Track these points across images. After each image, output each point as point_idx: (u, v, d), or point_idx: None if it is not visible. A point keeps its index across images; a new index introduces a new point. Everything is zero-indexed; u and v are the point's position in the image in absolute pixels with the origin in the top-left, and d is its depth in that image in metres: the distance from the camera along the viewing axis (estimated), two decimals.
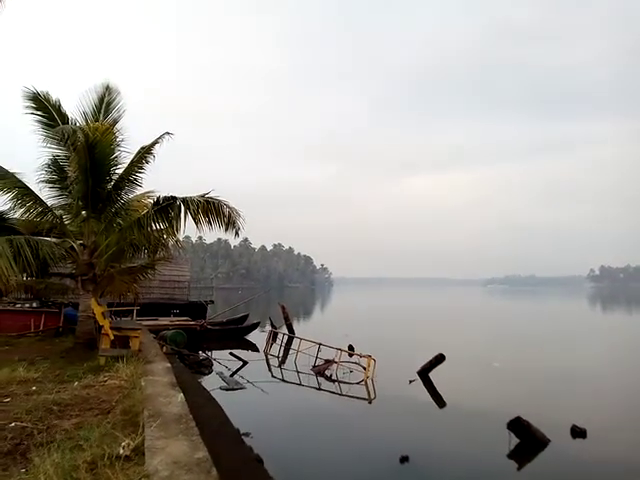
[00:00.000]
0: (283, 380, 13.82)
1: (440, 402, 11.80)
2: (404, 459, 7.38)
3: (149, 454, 3.84)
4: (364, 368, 13.58)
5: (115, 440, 4.28)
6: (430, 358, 13.67)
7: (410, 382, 13.03)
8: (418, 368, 13.69)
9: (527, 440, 8.23)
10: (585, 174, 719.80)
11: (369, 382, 12.94)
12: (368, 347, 14.82)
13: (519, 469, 7.87)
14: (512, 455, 8.03)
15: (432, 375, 13.43)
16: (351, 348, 15.31)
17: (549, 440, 8.26)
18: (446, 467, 7.62)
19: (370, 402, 11.72)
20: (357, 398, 11.77)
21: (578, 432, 8.80)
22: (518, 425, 8.25)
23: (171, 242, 12.43)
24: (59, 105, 11.16)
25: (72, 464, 3.73)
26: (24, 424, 4.99)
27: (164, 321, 18.74)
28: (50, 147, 11.04)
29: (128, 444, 4.11)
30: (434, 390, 12.61)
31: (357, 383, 13.00)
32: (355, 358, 14.53)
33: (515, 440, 8.24)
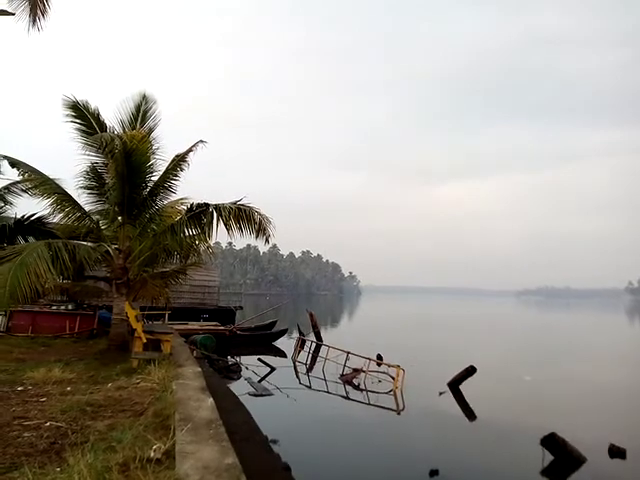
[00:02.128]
0: (311, 388, 13.78)
1: (471, 415, 11.55)
2: (434, 472, 7.24)
3: (180, 458, 3.87)
4: (393, 378, 13.44)
5: (147, 443, 4.33)
6: (461, 370, 13.43)
7: (440, 394, 12.81)
8: (448, 379, 13.46)
9: (562, 457, 7.95)
10: (623, 182, 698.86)
11: (398, 392, 12.78)
12: (397, 357, 14.67)
13: None
14: (546, 472, 7.77)
15: (462, 387, 13.17)
16: (379, 357, 15.17)
17: (585, 459, 7.96)
18: None
19: (399, 413, 11.57)
20: (386, 408, 11.63)
21: (616, 452, 8.42)
22: (552, 441, 7.97)
23: (202, 248, 12.62)
24: (98, 113, 11.49)
25: (105, 465, 3.79)
26: (59, 424, 5.11)
27: (194, 325, 18.98)
28: (89, 154, 11.37)
29: (159, 447, 4.16)
30: (464, 403, 12.36)
31: (386, 393, 12.85)
32: (384, 368, 14.39)
33: (549, 457, 7.97)
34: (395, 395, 12.68)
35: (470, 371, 13.22)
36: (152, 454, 4.05)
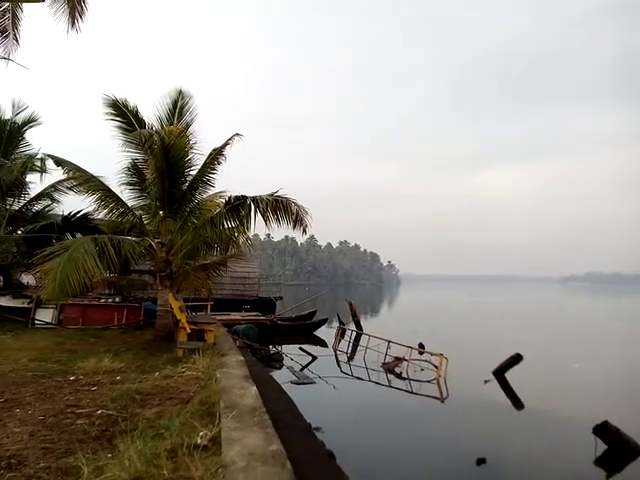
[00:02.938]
0: (352, 376, 13.78)
1: (518, 404, 11.28)
2: (481, 461, 7.11)
3: (225, 445, 3.92)
4: (435, 367, 13.27)
5: (193, 430, 4.41)
6: (506, 358, 13.12)
7: (485, 382, 12.57)
8: (493, 368, 13.18)
9: (616, 447, 7.67)
10: None
11: (441, 381, 12.61)
12: (439, 345, 14.46)
13: (608, 478, 7.35)
14: (599, 462, 7.52)
15: (508, 375, 12.87)
16: (421, 346, 15.01)
17: None
18: (526, 471, 7.25)
19: (443, 401, 11.42)
20: (429, 397, 11.51)
21: None
22: (605, 430, 7.70)
23: (241, 240, 12.75)
24: (136, 111, 11.70)
25: (154, 452, 3.88)
26: (109, 412, 5.26)
27: (236, 316, 19.27)
28: (129, 151, 11.62)
29: (206, 434, 4.23)
30: (511, 391, 12.09)
31: (429, 381, 12.71)
32: (426, 356, 14.23)
33: (602, 446, 7.70)
34: (438, 383, 12.52)
35: (516, 359, 12.90)
36: (199, 441, 4.12)
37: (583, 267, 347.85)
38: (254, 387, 5.79)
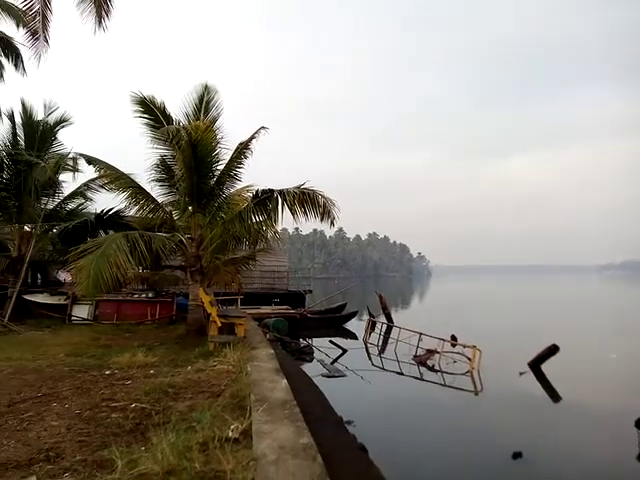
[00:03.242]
0: (384, 369, 13.68)
1: (555, 396, 10.99)
2: (517, 455, 6.93)
3: (256, 438, 3.91)
4: (469, 359, 13.06)
5: (225, 423, 4.42)
6: (541, 349, 12.79)
7: (520, 374, 12.28)
8: (527, 359, 12.86)
9: None
10: None
11: (475, 373, 12.40)
12: (471, 337, 14.19)
13: None
14: None
15: (544, 367, 12.56)
16: (454, 338, 14.77)
17: None
18: (565, 465, 7.03)
19: (477, 394, 11.22)
20: (462, 390, 11.32)
21: None
22: None
23: (270, 234, 12.79)
24: (164, 107, 11.82)
25: (186, 445, 3.90)
26: (143, 405, 5.34)
27: (266, 309, 19.40)
28: (157, 148, 11.77)
29: (237, 427, 4.23)
30: (547, 383, 11.77)
31: (462, 374, 12.51)
32: (459, 348, 14.00)
33: None
34: (472, 376, 12.31)
35: (553, 350, 12.54)
36: (230, 434, 4.12)
37: (620, 255, 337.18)
38: (284, 380, 5.78)
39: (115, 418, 4.95)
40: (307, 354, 14.27)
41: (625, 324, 25.30)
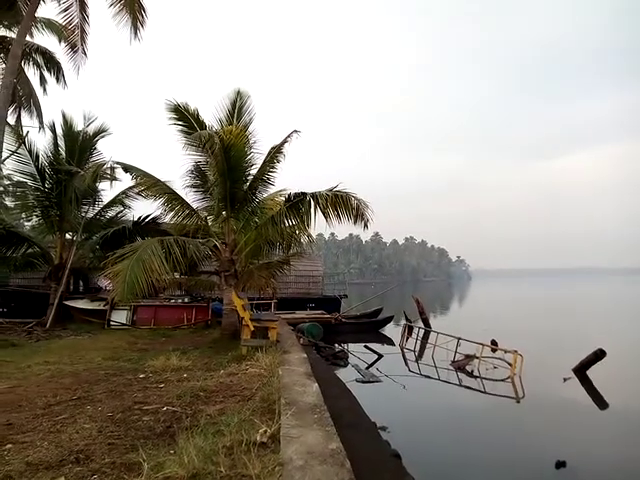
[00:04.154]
0: (421, 374, 13.36)
1: (601, 403, 10.44)
2: (560, 464, 6.57)
3: (284, 442, 3.82)
4: (509, 364, 12.59)
5: (253, 426, 4.35)
6: (588, 354, 12.21)
7: (565, 380, 11.75)
8: (571, 365, 12.30)
9: None
10: None
11: (516, 379, 11.93)
12: (512, 342, 13.69)
13: None
14: None
15: (590, 373, 11.98)
16: (494, 343, 14.29)
17: None
18: (611, 476, 6.64)
19: (518, 401, 10.77)
20: (503, 396, 10.89)
21: None
22: None
23: (303, 238, 12.73)
24: (197, 114, 11.98)
25: (213, 448, 3.84)
26: (174, 408, 5.34)
27: (301, 314, 19.33)
28: (191, 154, 11.93)
29: (265, 431, 4.15)
30: (593, 390, 11.20)
31: (502, 380, 12.07)
32: (499, 353, 13.52)
33: None
34: (513, 382, 11.85)
35: (599, 355, 11.95)
36: (258, 438, 4.05)
37: None
38: (315, 384, 5.68)
39: (146, 421, 4.96)
40: (341, 359, 14.09)
41: None
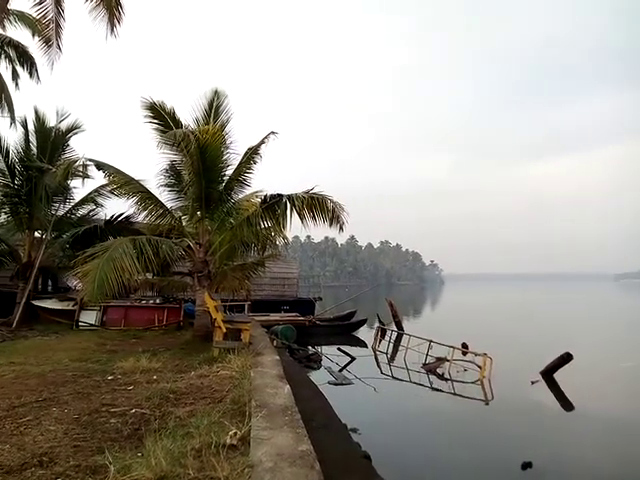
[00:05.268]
0: (392, 377, 13.48)
1: (567, 405, 10.71)
2: (526, 465, 6.72)
3: (254, 444, 3.81)
4: (479, 367, 12.81)
5: (223, 429, 4.32)
6: (554, 358, 12.52)
7: (532, 383, 12.02)
8: (539, 368, 12.60)
9: None
10: None
11: (485, 382, 12.16)
12: (483, 345, 13.93)
13: None
14: None
15: (557, 376, 12.28)
16: (465, 346, 14.53)
17: None
18: (576, 477, 6.83)
19: (487, 403, 10.98)
20: (473, 399, 11.08)
21: None
22: None
23: (279, 239, 12.71)
24: (173, 112, 11.84)
25: (181, 451, 3.80)
26: (143, 410, 5.26)
27: (275, 317, 19.28)
28: (166, 153, 11.77)
29: (235, 433, 4.13)
30: (560, 392, 11.50)
31: (472, 383, 12.28)
32: (469, 356, 13.76)
33: None
34: (482, 385, 12.07)
35: (566, 358, 12.26)
36: (228, 440, 4.02)
37: (637, 264, 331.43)
38: (287, 386, 5.67)
39: (114, 423, 4.87)
40: (314, 361, 14.11)
41: (634, 332, 24.79)
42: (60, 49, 13.53)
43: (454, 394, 11.52)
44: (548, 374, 12.41)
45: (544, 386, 11.91)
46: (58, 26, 13.49)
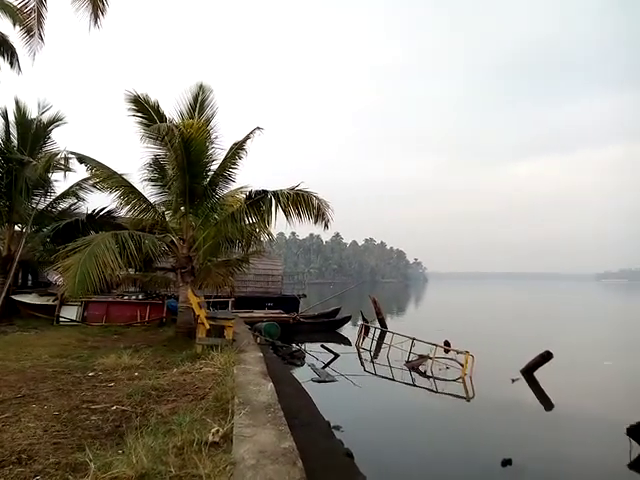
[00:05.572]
0: (375, 374, 13.55)
1: (547, 403, 10.88)
2: (506, 462, 6.82)
3: (237, 442, 3.80)
4: (461, 365, 12.94)
5: (205, 426, 4.30)
6: (535, 356, 12.70)
7: (513, 381, 12.18)
8: (520, 366, 12.78)
9: None
10: None
11: (467, 379, 12.29)
12: (465, 343, 14.08)
13: None
14: (635, 466, 7.12)
15: (537, 374, 12.46)
16: (447, 344, 14.65)
17: None
18: (555, 473, 6.94)
19: (468, 400, 11.10)
20: (454, 396, 11.20)
21: None
22: None
23: (263, 236, 12.67)
24: (158, 106, 11.68)
25: (163, 448, 3.77)
26: (124, 407, 5.21)
27: (259, 313, 19.22)
28: (150, 147, 11.62)
29: (217, 430, 4.11)
30: (540, 390, 11.67)
31: (454, 380, 12.40)
32: (452, 354, 13.89)
33: (638, 449, 7.30)
34: (464, 382, 12.20)
35: (546, 357, 12.46)
36: (210, 437, 4.00)
37: (618, 263, 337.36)
38: (270, 384, 5.66)
39: (94, 420, 4.83)
40: (298, 358, 14.12)
41: (618, 331, 25.28)
42: (42, 39, 13.26)
43: (436, 391, 11.62)
44: (529, 372, 12.59)
45: (525, 384, 12.07)
46: (40, 16, 13.22)
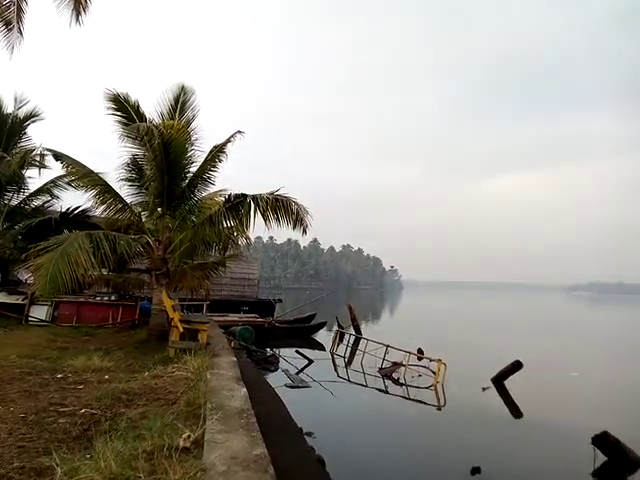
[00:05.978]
0: (349, 381, 13.59)
1: (516, 412, 11.08)
2: (475, 470, 6.92)
3: (208, 448, 3.77)
4: (434, 373, 13.07)
5: (176, 431, 4.25)
6: (505, 365, 12.92)
7: (483, 390, 12.37)
8: (491, 375, 12.98)
9: (616, 458, 7.45)
10: None
11: (439, 387, 12.42)
12: (438, 351, 14.24)
13: None
14: (598, 474, 7.32)
15: (507, 383, 12.67)
16: (420, 352, 14.80)
17: None
18: None
19: (440, 409, 11.21)
20: (426, 404, 11.31)
21: None
22: (605, 441, 7.48)
23: (241, 240, 12.61)
24: (138, 105, 11.58)
25: (132, 453, 3.72)
26: (93, 411, 5.12)
27: (233, 317, 19.10)
28: (129, 146, 11.48)
29: (189, 436, 4.07)
30: (509, 399, 11.87)
31: (426, 388, 12.52)
32: (424, 362, 14.03)
33: (602, 457, 7.49)
34: (436, 390, 12.32)
35: (516, 366, 12.69)
36: (181, 443, 3.96)
37: (587, 276, 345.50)
38: (244, 389, 5.63)
39: (62, 424, 4.73)
40: (272, 364, 14.06)
41: (585, 342, 25.89)
42: (21, 34, 12.99)
43: (408, 399, 11.71)
44: (499, 381, 12.80)
45: (495, 393, 12.26)
46: (20, 9, 12.95)
